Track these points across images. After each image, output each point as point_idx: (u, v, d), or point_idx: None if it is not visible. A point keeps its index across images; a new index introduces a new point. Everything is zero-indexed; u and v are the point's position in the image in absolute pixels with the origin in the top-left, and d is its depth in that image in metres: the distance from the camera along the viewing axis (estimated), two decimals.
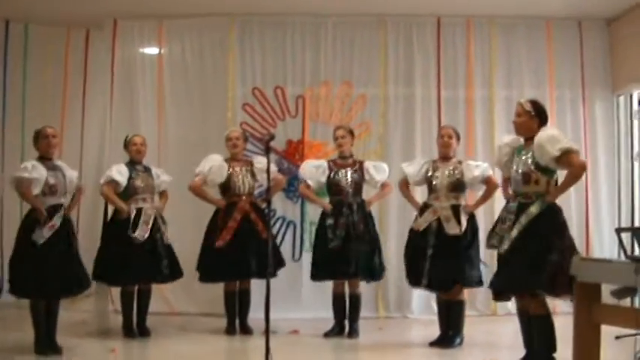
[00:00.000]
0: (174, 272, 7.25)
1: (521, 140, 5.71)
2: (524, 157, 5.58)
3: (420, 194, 7.38)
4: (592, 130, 8.72)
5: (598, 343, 5.14)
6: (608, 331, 5.04)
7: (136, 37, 8.84)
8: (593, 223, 8.62)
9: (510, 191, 5.79)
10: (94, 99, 9.01)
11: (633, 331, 5.14)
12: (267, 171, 5.42)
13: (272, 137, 5.58)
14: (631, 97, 8.45)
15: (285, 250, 8.37)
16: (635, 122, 8.39)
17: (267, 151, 5.17)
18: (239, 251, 7.18)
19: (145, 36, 8.85)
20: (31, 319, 6.26)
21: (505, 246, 5.52)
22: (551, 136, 5.42)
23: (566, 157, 5.38)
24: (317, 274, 7.31)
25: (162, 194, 7.43)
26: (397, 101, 8.73)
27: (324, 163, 7.38)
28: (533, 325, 5.50)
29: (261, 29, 8.74)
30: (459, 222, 6.64)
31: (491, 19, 8.71)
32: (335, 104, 8.70)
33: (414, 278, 6.85)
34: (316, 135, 8.69)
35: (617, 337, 5.45)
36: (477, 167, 6.76)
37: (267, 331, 4.76)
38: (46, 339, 6.27)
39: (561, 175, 5.58)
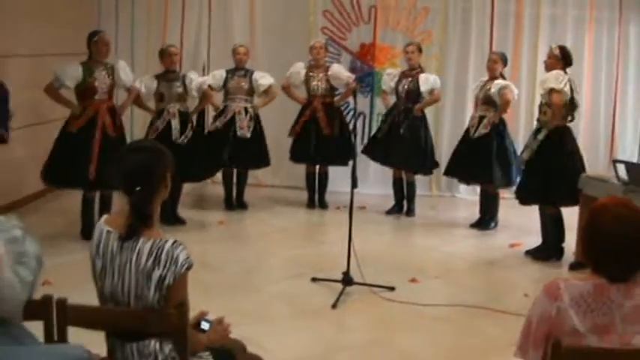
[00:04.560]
0: (266, 160, 8.94)
1: None
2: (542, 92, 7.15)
3: None
4: (624, 49, 9.93)
5: None
6: None
7: None
8: (619, 127, 10.05)
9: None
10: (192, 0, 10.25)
11: None
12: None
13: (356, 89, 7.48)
14: None
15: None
16: None
17: (355, 95, 6.79)
18: (319, 142, 8.86)
19: None
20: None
21: (528, 158, 7.18)
22: (544, 79, 7.06)
23: (550, 95, 6.93)
24: (368, 153, 9.11)
25: (267, 92, 8.82)
26: (456, 13, 9.98)
27: (396, 71, 8.88)
28: (549, 222, 7.16)
29: None
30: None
31: None
32: (402, 14, 10.00)
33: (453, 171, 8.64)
34: (385, 39, 10.05)
35: None
36: (497, 85, 8.01)
37: (350, 219, 6.34)
38: (171, 212, 8.07)
39: None
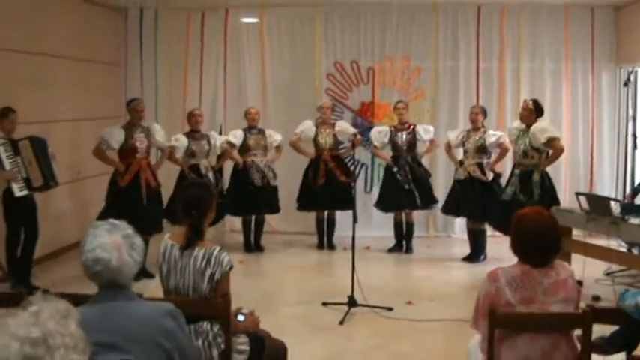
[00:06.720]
0: (276, 207, 10.08)
1: (524, 126, 8.35)
2: (524, 139, 8.23)
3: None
4: (598, 96, 11.11)
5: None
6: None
7: (243, 28, 11.44)
8: (597, 166, 11.16)
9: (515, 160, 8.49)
10: (209, 69, 11.46)
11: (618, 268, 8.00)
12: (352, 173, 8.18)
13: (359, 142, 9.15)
14: (628, 71, 10.46)
15: (359, 184, 11.10)
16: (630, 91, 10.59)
17: (354, 146, 8.00)
18: (325, 190, 9.95)
19: (250, 29, 11.41)
20: None
21: (510, 198, 8.26)
22: (542, 128, 8.08)
23: (551, 143, 8.05)
24: (384, 208, 10.06)
25: (277, 148, 10.10)
26: (445, 71, 11.23)
27: (386, 128, 10.01)
28: None
29: (340, 15, 11.24)
30: (483, 174, 9.22)
31: (521, 6, 10.98)
32: (397, 74, 11.23)
33: (453, 210, 9.65)
34: (383, 97, 11.26)
35: (607, 274, 8.24)
36: (494, 135, 9.23)
37: (353, 249, 7.50)
38: None
39: None
